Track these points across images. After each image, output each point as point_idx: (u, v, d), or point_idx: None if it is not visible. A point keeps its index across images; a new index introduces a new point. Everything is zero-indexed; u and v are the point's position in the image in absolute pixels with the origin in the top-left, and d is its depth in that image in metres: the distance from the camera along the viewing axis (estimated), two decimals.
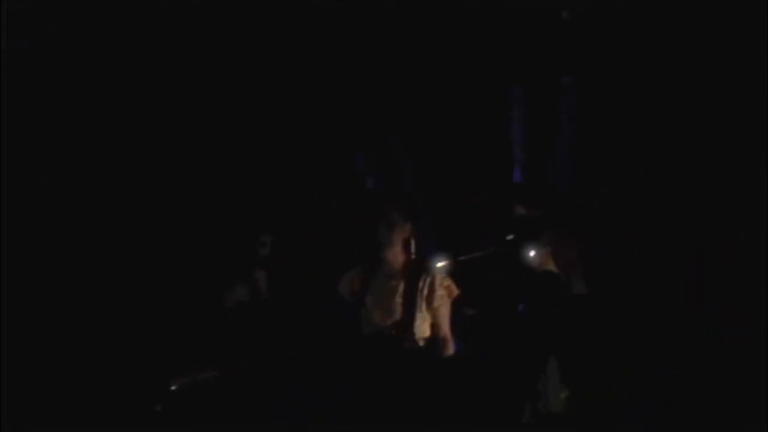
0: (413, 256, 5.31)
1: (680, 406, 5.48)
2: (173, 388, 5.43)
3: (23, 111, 6.29)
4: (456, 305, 5.34)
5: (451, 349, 5.27)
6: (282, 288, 5.89)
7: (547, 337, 5.45)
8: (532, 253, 5.81)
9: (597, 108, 6.41)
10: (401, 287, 5.24)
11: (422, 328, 5.21)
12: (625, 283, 5.87)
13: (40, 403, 5.67)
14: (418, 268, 5.30)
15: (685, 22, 6.11)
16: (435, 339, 5.23)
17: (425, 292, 5.25)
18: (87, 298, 6.06)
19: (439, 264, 5.47)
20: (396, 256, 5.29)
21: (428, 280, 5.28)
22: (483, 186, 6.64)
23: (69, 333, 5.96)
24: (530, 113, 6.72)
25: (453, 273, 5.44)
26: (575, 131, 6.50)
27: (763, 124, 5.92)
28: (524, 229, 5.96)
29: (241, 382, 5.38)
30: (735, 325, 5.61)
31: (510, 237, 6.07)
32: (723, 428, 5.33)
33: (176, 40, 6.53)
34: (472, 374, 5.30)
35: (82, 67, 6.49)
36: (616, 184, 6.24)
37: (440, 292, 5.27)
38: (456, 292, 5.32)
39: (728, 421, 5.32)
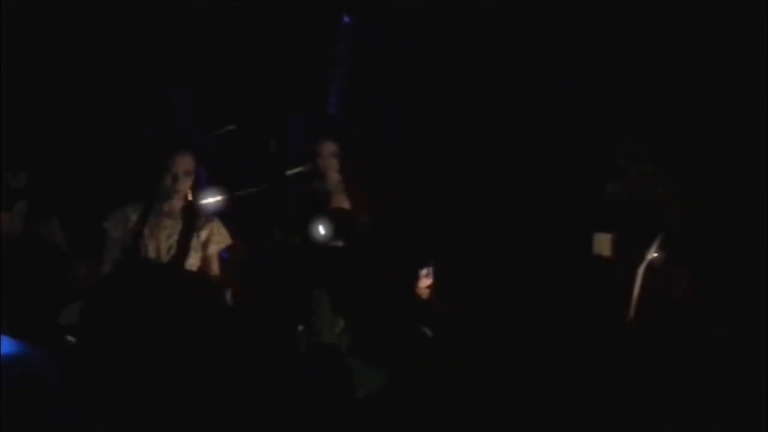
0: (193, 203, 5.63)
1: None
2: None
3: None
4: (227, 253, 5.69)
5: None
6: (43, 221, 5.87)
7: (320, 270, 5.54)
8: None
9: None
10: (180, 227, 5.54)
11: (193, 266, 5.54)
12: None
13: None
14: (197, 215, 5.62)
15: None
16: (201, 275, 5.50)
17: (203, 236, 5.58)
18: None
19: (215, 199, 5.68)
20: (179, 201, 5.58)
21: (207, 225, 5.61)
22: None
23: None
24: None
25: (225, 211, 5.79)
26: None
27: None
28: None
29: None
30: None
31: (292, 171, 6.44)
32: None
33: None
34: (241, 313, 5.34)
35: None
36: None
37: (217, 238, 5.62)
38: (230, 241, 5.66)
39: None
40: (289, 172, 6.46)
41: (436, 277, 5.40)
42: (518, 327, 5.65)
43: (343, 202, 6.18)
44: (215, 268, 5.62)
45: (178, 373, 3.43)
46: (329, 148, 6.19)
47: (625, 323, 5.18)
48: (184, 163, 5.54)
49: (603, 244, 5.87)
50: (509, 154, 6.71)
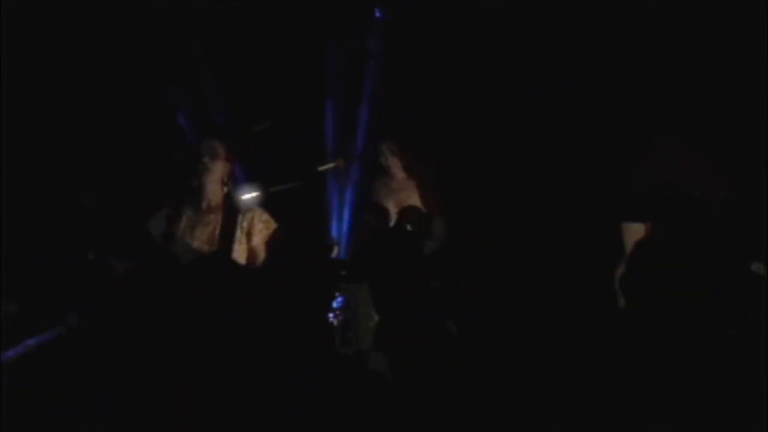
0: (229, 192, 5.45)
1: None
2: None
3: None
4: (273, 239, 5.46)
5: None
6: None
7: (358, 266, 5.54)
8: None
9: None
10: (221, 220, 5.36)
11: (238, 259, 5.36)
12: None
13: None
14: (237, 207, 5.44)
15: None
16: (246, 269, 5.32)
17: (245, 225, 5.40)
18: None
19: (251, 195, 5.63)
20: (216, 191, 5.40)
21: (248, 215, 5.42)
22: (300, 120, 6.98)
23: None
24: None
25: (266, 205, 5.62)
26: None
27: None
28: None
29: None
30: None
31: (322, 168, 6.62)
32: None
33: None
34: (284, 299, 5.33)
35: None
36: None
37: (259, 227, 5.42)
38: (274, 226, 5.45)
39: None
40: (320, 168, 6.51)
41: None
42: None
43: (411, 199, 6.27)
44: (262, 258, 5.41)
45: (220, 367, 3.45)
46: (391, 146, 6.34)
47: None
48: (210, 149, 5.39)
49: (635, 232, 5.88)
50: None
